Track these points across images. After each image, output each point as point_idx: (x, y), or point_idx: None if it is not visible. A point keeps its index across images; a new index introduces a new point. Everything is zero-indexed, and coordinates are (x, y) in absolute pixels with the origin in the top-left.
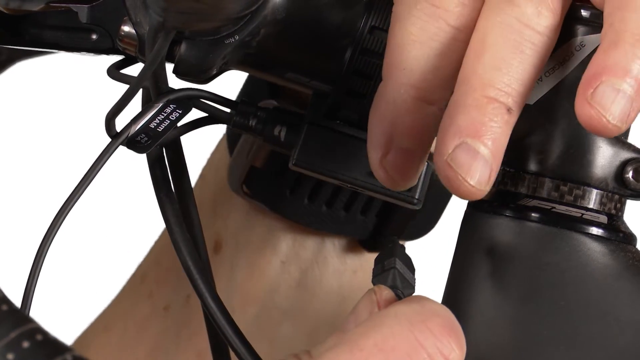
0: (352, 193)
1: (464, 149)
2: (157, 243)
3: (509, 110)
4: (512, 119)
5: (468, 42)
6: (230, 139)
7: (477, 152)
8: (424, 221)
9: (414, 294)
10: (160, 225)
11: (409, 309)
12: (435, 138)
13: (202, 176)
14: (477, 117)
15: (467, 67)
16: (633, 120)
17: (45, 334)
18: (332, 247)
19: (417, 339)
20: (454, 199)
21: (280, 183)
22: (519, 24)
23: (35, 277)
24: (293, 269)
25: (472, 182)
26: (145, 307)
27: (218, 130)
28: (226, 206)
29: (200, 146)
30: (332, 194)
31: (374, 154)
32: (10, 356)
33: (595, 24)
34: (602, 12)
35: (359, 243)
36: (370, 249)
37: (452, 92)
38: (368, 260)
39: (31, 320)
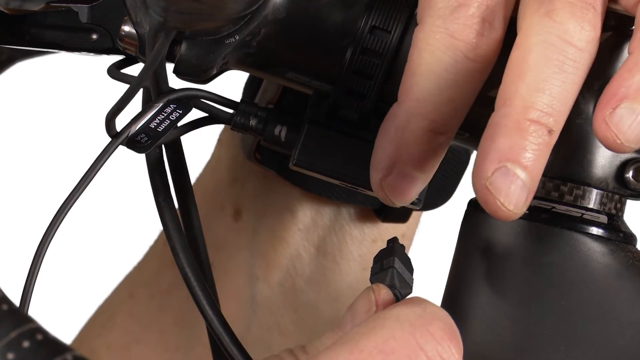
0: None
1: (503, 173)
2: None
3: (550, 131)
4: (553, 140)
5: (484, 72)
6: None
7: (516, 176)
8: (437, 191)
9: (411, 295)
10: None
11: (411, 312)
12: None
13: (220, 140)
14: (518, 140)
15: (508, 87)
16: None
17: (45, 333)
18: (348, 215)
19: (417, 343)
20: (466, 175)
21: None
22: (561, 42)
23: (34, 276)
24: (311, 236)
25: (509, 207)
26: (169, 274)
27: (218, 131)
28: (243, 170)
29: (201, 146)
30: None
31: (375, 175)
32: (10, 356)
33: (605, 25)
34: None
35: (374, 212)
36: (384, 218)
37: (462, 122)
38: (386, 229)
39: (31, 320)
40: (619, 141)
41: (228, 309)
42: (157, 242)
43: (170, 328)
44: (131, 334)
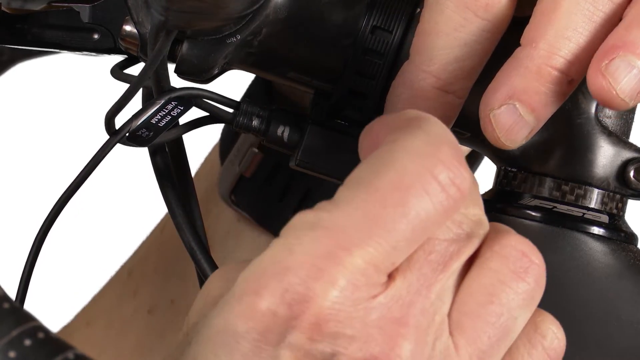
0: None
1: (510, 110)
2: (145, 241)
3: (570, 81)
4: (572, 89)
5: (495, 33)
6: (223, 144)
7: (521, 117)
8: None
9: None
10: (153, 222)
11: (418, 141)
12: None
13: (197, 174)
14: (534, 84)
15: (536, 27)
16: None
17: (47, 332)
18: None
19: (430, 173)
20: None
21: (267, 195)
22: None
23: (30, 272)
24: None
25: (506, 142)
26: (129, 305)
27: (218, 131)
28: (216, 209)
29: (201, 146)
30: None
31: None
32: (12, 354)
33: None
34: None
35: None
36: None
37: (473, 83)
38: None
39: (33, 319)
40: (614, 91)
41: None
42: (120, 272)
43: (128, 353)
44: None
